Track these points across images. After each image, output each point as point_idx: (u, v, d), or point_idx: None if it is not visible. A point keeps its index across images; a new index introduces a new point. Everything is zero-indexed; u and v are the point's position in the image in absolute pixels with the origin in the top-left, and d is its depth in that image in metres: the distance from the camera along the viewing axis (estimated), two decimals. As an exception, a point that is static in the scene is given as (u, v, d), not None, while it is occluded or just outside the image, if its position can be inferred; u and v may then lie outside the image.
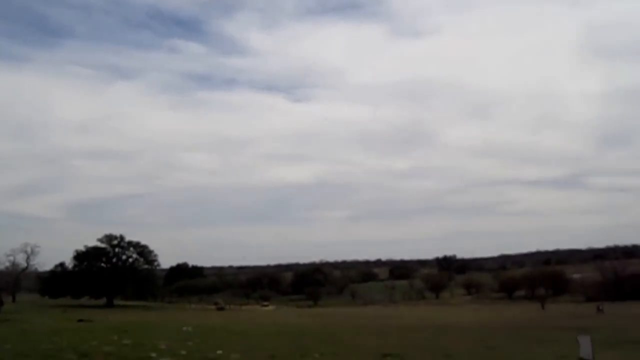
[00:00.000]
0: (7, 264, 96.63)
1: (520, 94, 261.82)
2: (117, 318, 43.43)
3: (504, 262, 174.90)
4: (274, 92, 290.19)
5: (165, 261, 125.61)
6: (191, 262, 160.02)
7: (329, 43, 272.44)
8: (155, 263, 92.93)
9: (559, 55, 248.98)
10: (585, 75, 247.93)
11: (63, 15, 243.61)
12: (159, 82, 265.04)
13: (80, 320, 35.97)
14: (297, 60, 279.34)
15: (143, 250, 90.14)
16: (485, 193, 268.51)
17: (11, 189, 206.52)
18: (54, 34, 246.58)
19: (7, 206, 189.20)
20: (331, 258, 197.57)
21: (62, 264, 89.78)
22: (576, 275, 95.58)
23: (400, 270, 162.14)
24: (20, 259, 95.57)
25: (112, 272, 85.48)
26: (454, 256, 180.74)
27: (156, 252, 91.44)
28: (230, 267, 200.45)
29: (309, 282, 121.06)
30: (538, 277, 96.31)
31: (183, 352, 16.35)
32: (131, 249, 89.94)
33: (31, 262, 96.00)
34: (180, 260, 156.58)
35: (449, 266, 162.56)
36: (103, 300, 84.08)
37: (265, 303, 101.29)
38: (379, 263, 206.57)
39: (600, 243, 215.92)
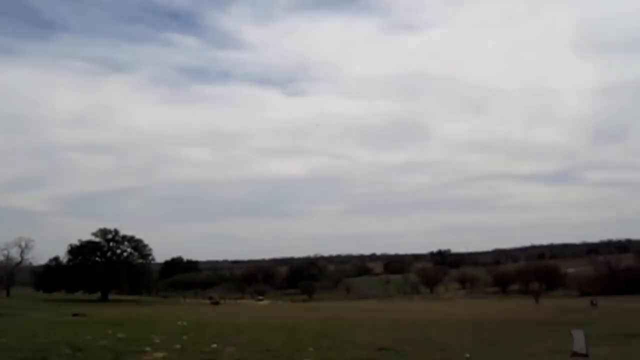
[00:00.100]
0: (1, 258, 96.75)
1: (514, 88, 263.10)
2: (111, 312, 43.39)
3: (498, 257, 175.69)
4: (269, 86, 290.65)
5: (160, 255, 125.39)
6: (186, 257, 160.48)
7: (323, 37, 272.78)
8: (150, 257, 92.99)
9: (554, 50, 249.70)
10: (580, 70, 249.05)
11: (57, 8, 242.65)
12: (153, 76, 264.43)
13: (74, 315, 35.94)
14: (292, 54, 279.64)
15: (137, 245, 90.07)
16: (480, 187, 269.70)
17: (5, 183, 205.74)
18: (48, 27, 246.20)
19: (0, 200, 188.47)
20: (326, 252, 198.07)
21: (56, 258, 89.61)
22: (570, 270, 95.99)
23: (395, 264, 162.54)
24: (15, 253, 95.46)
25: (107, 267, 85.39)
26: (449, 250, 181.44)
27: (151, 246, 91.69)
28: (225, 262, 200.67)
29: (304, 276, 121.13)
30: (532, 271, 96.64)
31: (178, 346, 16.33)
32: (126, 243, 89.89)
33: (25, 257, 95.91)
34: (175, 255, 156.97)
35: (443, 260, 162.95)
36: (97, 295, 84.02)
37: (260, 297, 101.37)
38: (373, 257, 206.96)
39: (594, 237, 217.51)
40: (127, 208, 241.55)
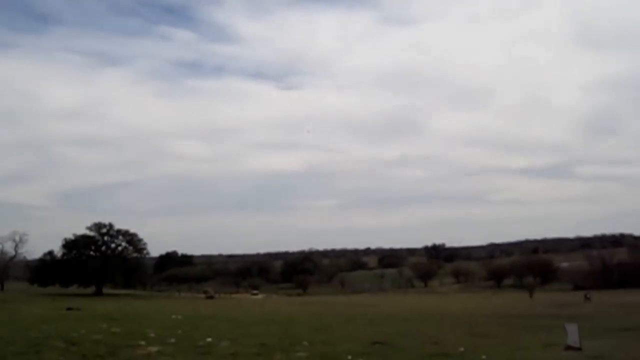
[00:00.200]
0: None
1: (508, 82, 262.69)
2: (106, 306, 43.34)
3: (492, 251, 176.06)
4: (264, 80, 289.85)
5: (155, 249, 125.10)
6: (180, 251, 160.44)
7: (317, 31, 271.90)
8: (145, 251, 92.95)
9: (548, 44, 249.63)
10: (574, 64, 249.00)
11: (51, 1, 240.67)
12: (148, 69, 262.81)
13: (69, 309, 35.88)
14: (286, 48, 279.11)
15: (132, 239, 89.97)
16: (474, 182, 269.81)
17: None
18: (42, 20, 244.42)
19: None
20: (320, 246, 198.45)
21: (51, 253, 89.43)
22: (564, 264, 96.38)
23: (389, 258, 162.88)
24: (9, 247, 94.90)
25: (101, 261, 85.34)
26: (443, 245, 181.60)
27: (145, 240, 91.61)
28: (220, 256, 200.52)
29: (299, 270, 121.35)
30: (526, 265, 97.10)
31: (172, 340, 16.33)
32: (120, 237, 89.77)
33: (20, 251, 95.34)
34: (170, 249, 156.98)
35: (437, 255, 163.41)
36: (92, 289, 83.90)
37: (255, 291, 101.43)
38: (368, 251, 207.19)
39: (588, 232, 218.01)
40: (121, 202, 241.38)
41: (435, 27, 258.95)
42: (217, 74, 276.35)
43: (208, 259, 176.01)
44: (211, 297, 79.68)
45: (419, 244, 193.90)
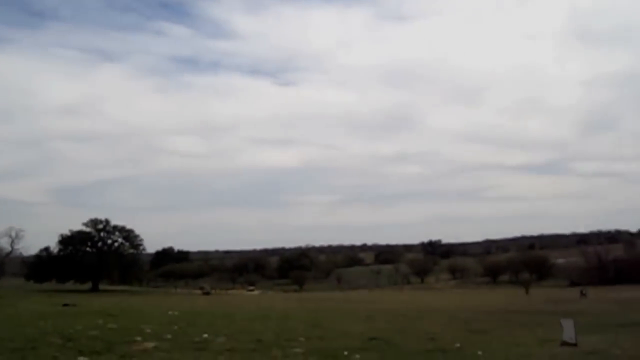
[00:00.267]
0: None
1: (505, 79, 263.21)
2: (102, 302, 43.25)
3: (488, 247, 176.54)
4: (260, 76, 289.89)
5: (151, 245, 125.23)
6: (177, 247, 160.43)
7: (314, 27, 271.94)
8: (141, 247, 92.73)
9: (544, 40, 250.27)
10: (570, 61, 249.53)
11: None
12: (144, 65, 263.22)
13: (65, 305, 35.75)
14: (283, 44, 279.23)
15: (128, 235, 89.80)
16: (470, 178, 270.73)
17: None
18: (39, 16, 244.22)
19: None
20: (317, 243, 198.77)
21: (47, 249, 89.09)
22: (560, 260, 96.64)
23: (386, 254, 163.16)
24: (5, 243, 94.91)
25: (98, 257, 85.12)
26: (439, 241, 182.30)
27: (142, 236, 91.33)
28: (216, 252, 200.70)
29: (295, 266, 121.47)
30: (522, 261, 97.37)
31: (169, 336, 16.32)
32: (116, 233, 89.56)
33: (16, 247, 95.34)
34: (166, 245, 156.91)
35: (434, 251, 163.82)
36: (88, 285, 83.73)
37: (251, 287, 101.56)
38: (364, 248, 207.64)
39: (583, 228, 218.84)
40: (118, 198, 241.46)
41: (432, 23, 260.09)
42: (213, 69, 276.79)
43: (204, 255, 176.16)
44: (207, 293, 79.69)
45: (415, 240, 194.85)
